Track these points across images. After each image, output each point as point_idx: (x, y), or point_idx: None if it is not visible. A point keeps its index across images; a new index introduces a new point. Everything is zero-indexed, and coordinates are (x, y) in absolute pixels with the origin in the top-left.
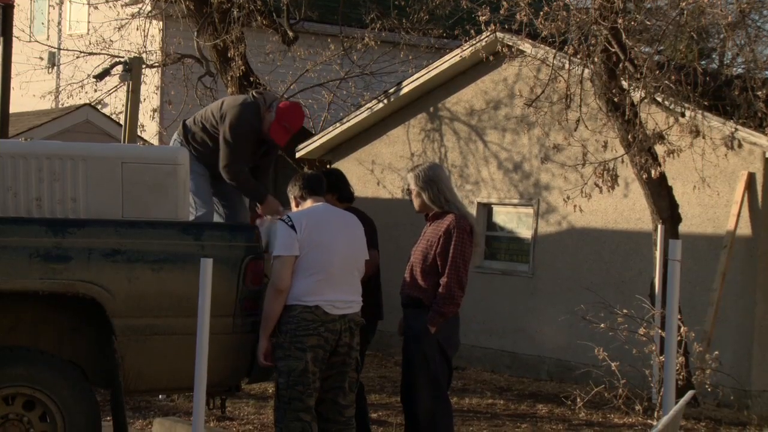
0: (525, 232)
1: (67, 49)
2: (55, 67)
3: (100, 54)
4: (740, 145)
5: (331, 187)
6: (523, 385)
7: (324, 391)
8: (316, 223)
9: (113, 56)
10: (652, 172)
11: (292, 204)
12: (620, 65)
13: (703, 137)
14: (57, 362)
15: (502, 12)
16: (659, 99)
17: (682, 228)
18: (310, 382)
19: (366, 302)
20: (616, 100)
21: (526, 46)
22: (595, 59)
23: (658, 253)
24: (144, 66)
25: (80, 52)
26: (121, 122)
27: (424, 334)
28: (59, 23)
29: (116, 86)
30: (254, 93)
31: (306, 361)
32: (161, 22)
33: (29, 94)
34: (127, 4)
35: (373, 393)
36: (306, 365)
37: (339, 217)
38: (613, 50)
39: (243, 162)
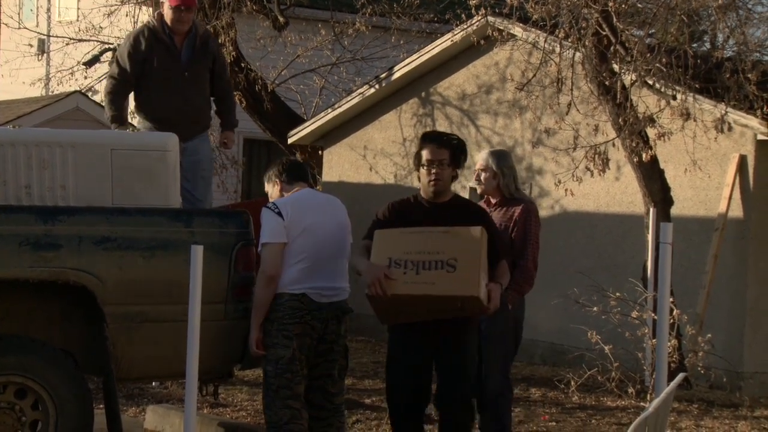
0: None
1: (57, 36)
2: (45, 54)
3: (89, 41)
4: (731, 128)
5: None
6: (517, 369)
7: (313, 379)
8: (301, 208)
9: (103, 43)
10: (643, 155)
11: (275, 190)
12: (611, 48)
13: (694, 120)
14: (48, 350)
15: None
16: (650, 82)
17: (674, 211)
18: (298, 369)
19: None
20: (607, 83)
21: (517, 30)
22: (586, 42)
23: (650, 236)
24: None
25: (70, 38)
26: None
27: (500, 312)
28: (48, 10)
29: (106, 73)
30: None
31: (293, 348)
32: (151, 8)
33: (19, 82)
34: None
35: (367, 378)
36: (293, 353)
37: (324, 203)
38: (604, 33)
39: None
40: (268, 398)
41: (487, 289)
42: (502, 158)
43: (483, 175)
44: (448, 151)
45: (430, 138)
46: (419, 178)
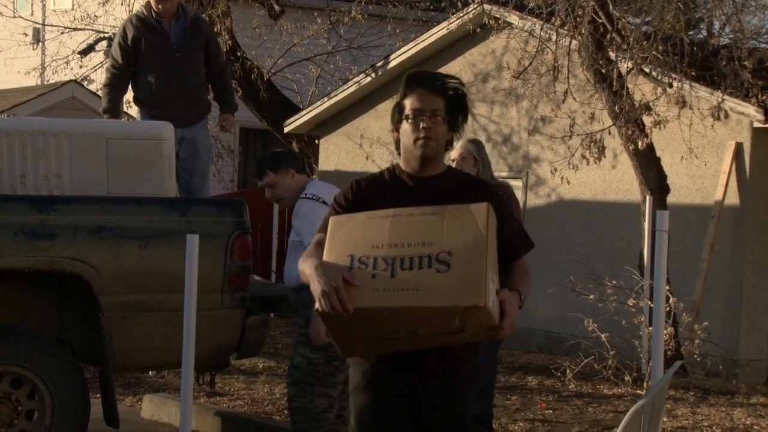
0: None
1: (52, 25)
2: (40, 43)
3: (84, 30)
4: (727, 116)
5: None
6: (514, 358)
7: None
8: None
9: (98, 32)
10: (639, 143)
11: (287, 177)
12: (608, 36)
13: (690, 108)
14: (44, 340)
15: None
16: (647, 70)
17: (671, 199)
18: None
19: None
20: (603, 71)
21: (514, 18)
22: (583, 30)
23: (646, 224)
24: None
25: (65, 27)
26: None
27: None
28: None
29: (101, 62)
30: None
31: None
32: None
33: (14, 71)
34: None
35: None
36: None
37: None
38: (601, 21)
39: None
40: (303, 386)
41: (499, 299)
42: (480, 147)
43: (462, 164)
44: (443, 100)
45: (418, 80)
46: (396, 144)
